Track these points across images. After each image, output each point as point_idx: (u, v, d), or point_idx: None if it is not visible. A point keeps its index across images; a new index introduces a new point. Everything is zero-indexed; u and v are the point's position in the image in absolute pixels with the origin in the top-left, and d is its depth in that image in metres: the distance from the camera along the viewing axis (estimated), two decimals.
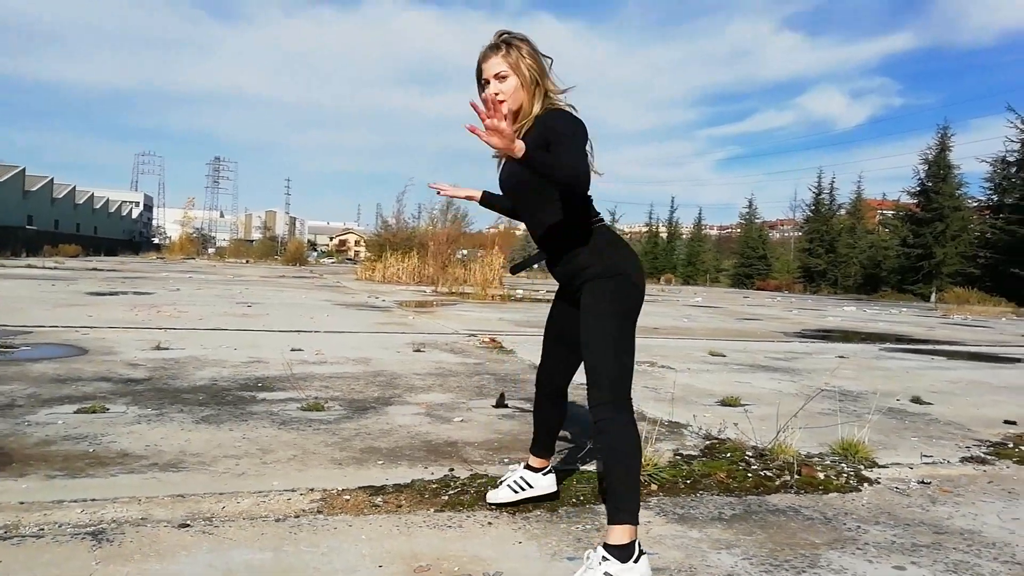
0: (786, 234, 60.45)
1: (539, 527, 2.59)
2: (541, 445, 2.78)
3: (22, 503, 2.56)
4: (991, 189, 33.07)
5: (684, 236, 59.21)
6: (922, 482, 3.36)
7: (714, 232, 66.87)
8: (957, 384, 6.57)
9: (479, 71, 2.36)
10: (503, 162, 2.44)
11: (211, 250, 75.72)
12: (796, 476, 3.25)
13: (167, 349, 6.39)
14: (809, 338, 10.89)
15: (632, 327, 2.29)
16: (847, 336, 11.63)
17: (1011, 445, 4.16)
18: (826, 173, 74.40)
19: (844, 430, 3.89)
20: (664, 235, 57.77)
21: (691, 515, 2.79)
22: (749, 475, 3.29)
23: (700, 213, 58.97)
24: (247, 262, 51.48)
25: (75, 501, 2.60)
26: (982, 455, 3.92)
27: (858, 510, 2.94)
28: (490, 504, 2.74)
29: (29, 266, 25.86)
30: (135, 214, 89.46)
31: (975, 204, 34.45)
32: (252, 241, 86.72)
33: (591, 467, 3.32)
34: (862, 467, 3.51)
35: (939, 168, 34.48)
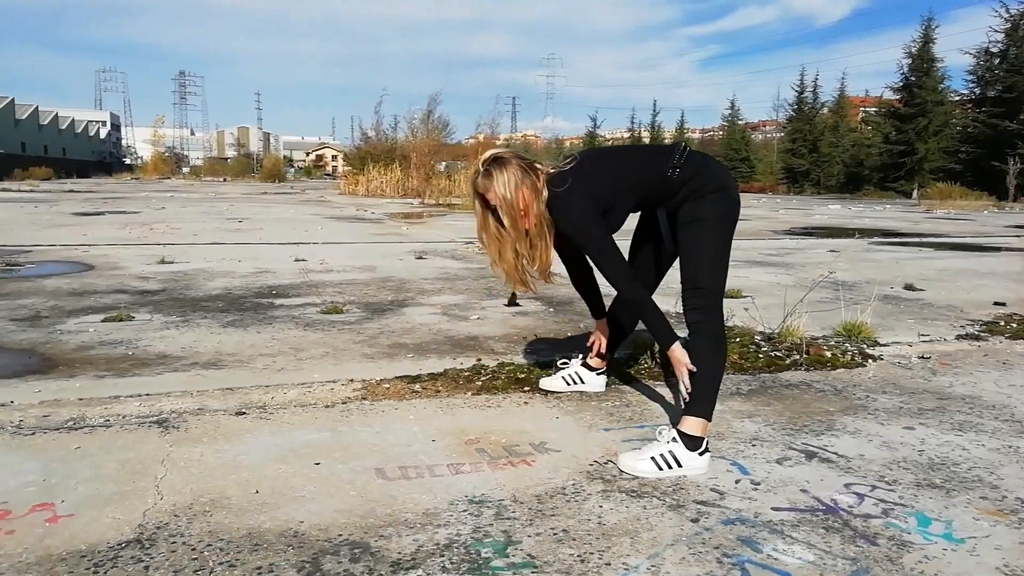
0: (769, 135, 60.01)
1: (572, 405, 2.76)
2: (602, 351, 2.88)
3: (81, 399, 2.68)
4: (974, 82, 32.87)
5: (667, 140, 58.66)
6: (922, 357, 3.57)
7: (696, 135, 66.25)
8: (945, 272, 6.79)
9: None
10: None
11: (185, 169, 74.14)
12: (805, 355, 3.44)
13: (172, 263, 6.44)
14: (798, 235, 11.08)
15: (730, 240, 2.37)
16: (835, 232, 11.83)
17: (1002, 323, 4.38)
18: (809, 71, 73.17)
19: (845, 315, 4.07)
20: (647, 139, 57.19)
21: None
22: (760, 356, 3.47)
23: (682, 116, 58.43)
24: (224, 180, 50.60)
25: (131, 396, 2.72)
26: (976, 332, 4.14)
27: (865, 382, 3.13)
28: (543, 389, 2.88)
29: (4, 189, 25.31)
30: (103, 134, 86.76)
31: (958, 98, 34.31)
32: (227, 159, 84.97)
33: (621, 355, 3.48)
34: (865, 346, 3.71)
35: (922, 62, 34.07)
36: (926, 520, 1.85)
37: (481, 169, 2.34)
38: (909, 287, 5.72)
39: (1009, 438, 2.47)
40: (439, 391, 2.88)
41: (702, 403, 2.23)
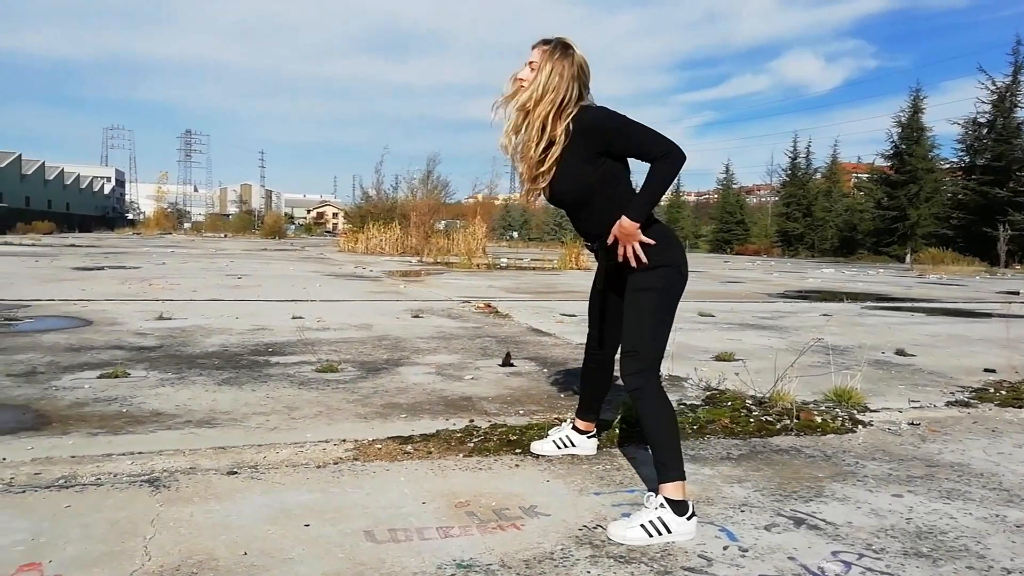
0: (763, 199, 60.94)
1: (563, 468, 2.77)
2: (588, 409, 2.90)
3: (73, 456, 2.69)
4: (963, 150, 33.60)
5: (663, 203, 59.44)
6: (912, 423, 3.59)
7: (692, 198, 67.22)
8: (937, 338, 6.85)
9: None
10: (551, 178, 2.45)
11: (187, 225, 74.83)
12: (795, 420, 3.46)
13: (170, 319, 6.48)
14: (792, 298, 11.17)
15: (672, 309, 2.40)
16: (828, 296, 11.93)
17: (991, 390, 4.41)
18: (802, 137, 74.83)
19: (836, 380, 4.10)
20: None
21: (702, 456, 2.99)
22: (751, 420, 3.49)
23: (679, 180, 59.21)
24: (225, 236, 51.02)
25: (123, 454, 2.73)
26: (966, 399, 4.17)
27: (855, 448, 3.15)
28: (534, 453, 2.89)
29: (6, 243, 25.50)
30: (107, 189, 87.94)
31: (947, 166, 34.99)
32: (228, 215, 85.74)
33: (607, 416, 3.50)
34: (855, 411, 3.73)
35: (912, 131, 34.86)
36: None
37: (561, 42, 2.42)
38: (900, 352, 5.77)
39: (996, 507, 2.48)
40: (431, 452, 2.90)
41: (672, 466, 2.27)
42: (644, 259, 2.30)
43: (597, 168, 2.37)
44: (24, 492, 2.34)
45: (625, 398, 3.19)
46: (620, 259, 2.35)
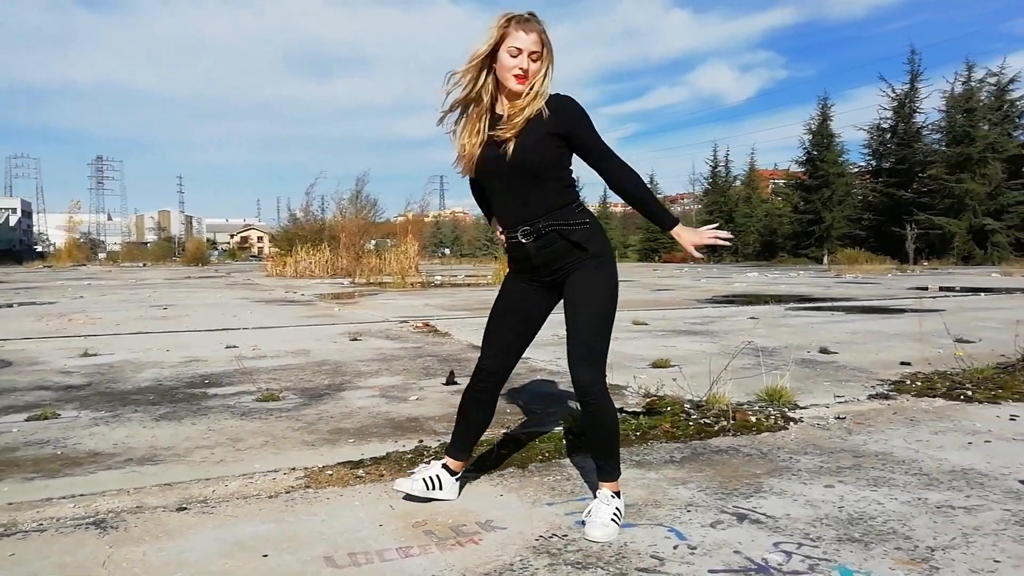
0: (687, 207, 62.69)
1: (515, 481, 2.83)
2: (465, 447, 2.66)
3: (10, 503, 2.60)
4: (870, 155, 35.48)
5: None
6: (838, 418, 3.80)
7: (619, 209, 68.54)
8: (856, 335, 7.22)
9: (504, 36, 2.30)
10: (481, 144, 2.36)
11: (102, 255, 71.79)
12: (732, 421, 3.62)
13: (96, 355, 6.25)
14: (720, 303, 11.56)
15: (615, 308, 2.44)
16: (754, 299, 12.39)
17: (908, 382, 4.70)
18: (720, 146, 77.68)
19: (767, 380, 4.30)
20: None
21: (647, 461, 3.10)
22: (690, 424, 3.63)
23: (604, 191, 60.42)
24: (144, 265, 49.16)
25: (63, 498, 2.66)
26: (885, 392, 4.43)
27: (788, 444, 3.32)
28: (399, 491, 2.54)
29: None
30: (12, 221, 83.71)
31: (856, 170, 36.85)
32: (147, 243, 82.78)
33: (557, 429, 3.58)
34: (786, 409, 3.93)
35: (822, 137, 36.59)
36: (848, 572, 2.00)
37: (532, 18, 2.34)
38: (824, 350, 6.06)
39: (918, 491, 2.67)
40: (383, 475, 2.91)
41: (617, 465, 2.45)
42: (726, 240, 2.42)
43: (558, 147, 2.35)
44: None
45: (572, 409, 3.28)
46: (705, 243, 2.43)
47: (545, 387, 4.64)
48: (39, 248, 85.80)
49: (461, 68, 2.38)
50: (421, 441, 3.40)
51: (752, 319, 8.86)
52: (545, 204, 2.35)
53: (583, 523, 2.33)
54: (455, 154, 2.45)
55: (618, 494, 2.40)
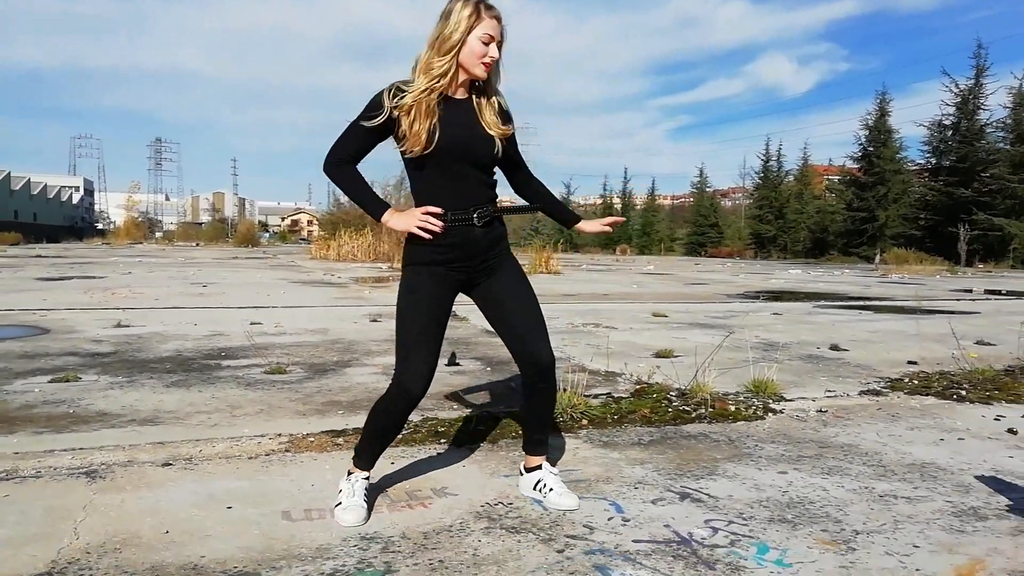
0: (737, 202, 61.77)
1: (481, 455, 2.98)
2: (373, 459, 2.47)
3: (16, 453, 2.85)
4: (929, 152, 34.45)
5: (638, 207, 60.02)
6: (820, 411, 3.84)
7: (667, 202, 67.94)
8: (876, 333, 7.15)
9: (475, 23, 2.28)
10: (446, 120, 2.30)
11: (158, 234, 74.16)
12: (710, 409, 3.70)
13: (128, 327, 6.60)
14: (750, 299, 11.48)
15: None
16: (785, 296, 12.26)
17: (906, 380, 4.69)
18: (774, 140, 76.16)
19: (762, 372, 4.34)
20: (619, 206, 58.48)
21: (614, 442, 3.21)
22: (670, 410, 3.72)
23: (653, 183, 59.89)
24: (197, 245, 50.70)
25: (65, 450, 2.90)
26: (879, 388, 4.43)
27: (759, 433, 3.39)
28: (347, 527, 2.24)
29: None
30: (76, 199, 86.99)
31: (914, 167, 35.79)
32: (201, 224, 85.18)
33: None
34: (770, 401, 3.98)
35: (879, 133, 35.62)
36: (764, 549, 2.09)
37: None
38: (834, 347, 6.04)
39: (869, 480, 2.72)
40: None
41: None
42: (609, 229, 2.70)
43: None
44: None
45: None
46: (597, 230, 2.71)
47: None
48: (99, 225, 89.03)
49: (440, 59, 2.31)
50: None
51: (775, 315, 8.81)
52: (489, 193, 2.43)
53: (537, 500, 2.45)
54: (401, 132, 2.31)
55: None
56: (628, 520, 2.30)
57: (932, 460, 2.99)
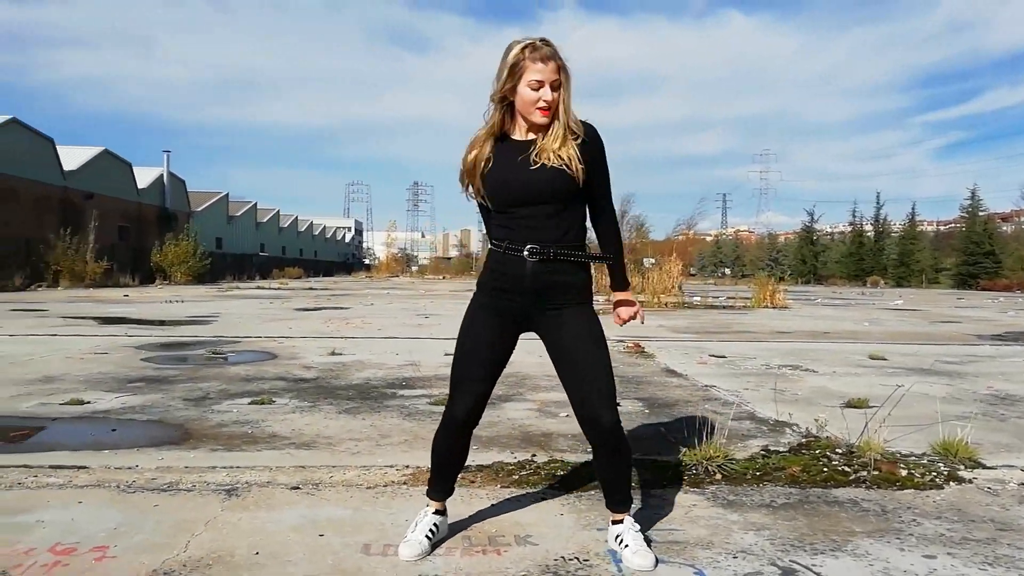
0: (1020, 226, 53.37)
1: (586, 504, 2.88)
2: (447, 487, 2.54)
3: (187, 467, 3.29)
4: None
5: (895, 234, 54.31)
6: (1022, 484, 3.18)
7: (931, 228, 60.69)
8: None
9: (522, 70, 2.23)
10: (497, 164, 2.32)
11: (414, 268, 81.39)
12: (875, 472, 3.23)
13: (340, 355, 7.31)
14: (1009, 341, 9.85)
15: None
16: None
17: None
18: None
19: (964, 432, 3.68)
20: (871, 234, 53.39)
21: (740, 502, 2.92)
22: (825, 470, 3.31)
23: (913, 208, 54.08)
24: (444, 278, 54.83)
25: (224, 468, 3.28)
26: None
27: (924, 505, 2.89)
28: (407, 560, 2.30)
29: (259, 287, 29.58)
30: (348, 238, 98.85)
31: None
32: (450, 259, 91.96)
33: (667, 458, 3.51)
34: (961, 467, 3.38)
35: None
36: None
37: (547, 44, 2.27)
38: None
39: None
40: (474, 481, 3.13)
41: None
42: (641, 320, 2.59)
43: (583, 175, 2.30)
44: (134, 492, 2.93)
45: (693, 444, 3.19)
46: (625, 321, 2.58)
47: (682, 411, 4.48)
48: (367, 261, 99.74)
49: (494, 107, 2.31)
50: (534, 456, 3.56)
51: None
52: (556, 232, 2.32)
53: (615, 552, 2.33)
54: (466, 181, 2.40)
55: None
56: None
57: None
